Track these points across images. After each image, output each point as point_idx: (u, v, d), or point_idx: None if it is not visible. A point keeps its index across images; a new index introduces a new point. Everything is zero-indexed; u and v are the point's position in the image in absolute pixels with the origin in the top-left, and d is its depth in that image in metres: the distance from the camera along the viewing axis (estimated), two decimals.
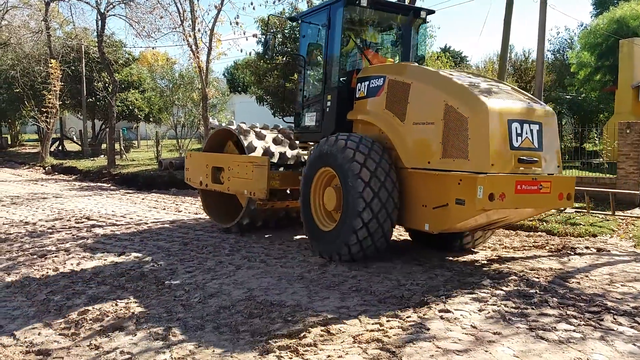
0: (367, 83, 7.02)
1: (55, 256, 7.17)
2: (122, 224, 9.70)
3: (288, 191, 8.32)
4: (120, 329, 4.49)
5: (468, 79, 6.30)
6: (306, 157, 8.09)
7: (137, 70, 31.32)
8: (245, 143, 8.33)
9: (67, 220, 10.08)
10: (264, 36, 7.80)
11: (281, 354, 3.92)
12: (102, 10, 21.76)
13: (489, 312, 4.73)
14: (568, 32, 36.01)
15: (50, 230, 9.09)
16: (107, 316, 4.81)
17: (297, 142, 8.55)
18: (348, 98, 7.33)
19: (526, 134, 5.73)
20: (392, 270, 6.22)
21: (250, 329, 4.40)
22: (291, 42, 17.57)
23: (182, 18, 17.94)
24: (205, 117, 18.46)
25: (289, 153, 8.56)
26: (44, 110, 24.44)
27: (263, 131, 8.73)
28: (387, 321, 4.53)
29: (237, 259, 6.87)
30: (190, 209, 11.92)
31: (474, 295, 5.20)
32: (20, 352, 4.14)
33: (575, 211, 9.80)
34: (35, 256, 7.20)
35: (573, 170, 13.51)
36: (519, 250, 7.52)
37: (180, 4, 18.11)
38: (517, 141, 5.65)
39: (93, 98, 28.32)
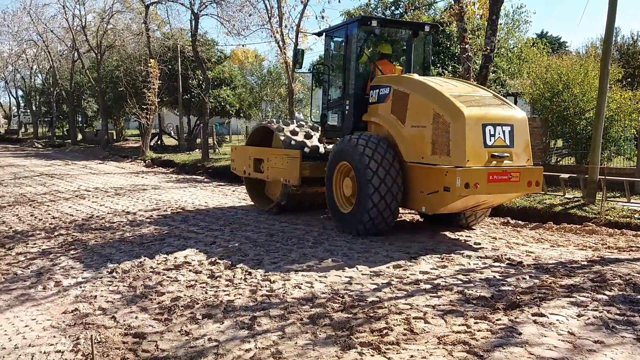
0: (377, 91, 8.34)
1: (152, 244, 7.64)
2: (213, 215, 10.13)
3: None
4: (209, 317, 4.67)
5: (456, 88, 7.46)
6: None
7: (229, 67, 32.63)
8: (282, 138, 9.69)
9: (164, 211, 10.71)
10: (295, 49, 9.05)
11: (363, 351, 3.87)
12: (196, 11, 22.79)
13: (589, 318, 4.36)
14: None
15: (148, 220, 9.70)
16: (197, 303, 5.03)
17: (324, 138, 9.71)
18: (363, 103, 8.62)
19: (499, 134, 6.96)
20: (482, 271, 5.95)
21: (332, 323, 4.39)
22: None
23: (269, 15, 18.36)
24: (291, 111, 18.80)
25: (320, 147, 9.76)
26: (144, 107, 26.12)
27: (297, 128, 10.04)
28: (475, 323, 4.32)
29: (320, 252, 6.91)
30: None
31: (572, 299, 4.83)
32: (120, 334, 4.44)
33: None
34: (134, 244, 7.71)
35: None
36: (624, 251, 6.89)
37: (268, 0, 18.57)
38: (490, 140, 6.90)
39: (188, 95, 29.89)
